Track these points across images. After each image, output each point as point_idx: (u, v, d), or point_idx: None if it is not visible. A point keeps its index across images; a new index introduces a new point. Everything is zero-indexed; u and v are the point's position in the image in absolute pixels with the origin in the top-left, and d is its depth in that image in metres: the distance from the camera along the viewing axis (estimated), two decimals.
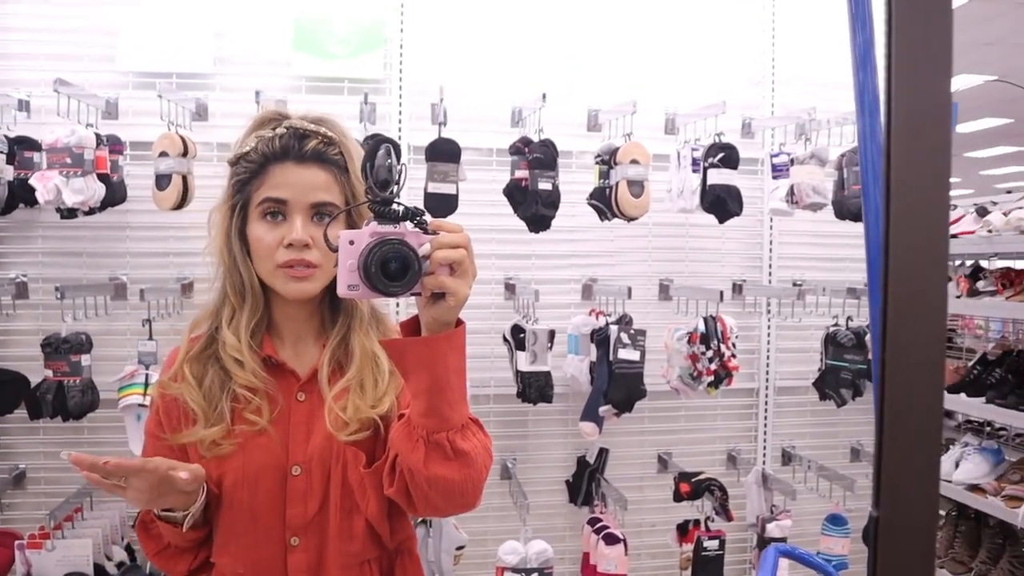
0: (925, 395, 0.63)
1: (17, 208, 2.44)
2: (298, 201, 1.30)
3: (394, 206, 1.08)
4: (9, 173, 2.37)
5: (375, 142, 1.10)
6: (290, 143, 1.31)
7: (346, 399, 1.31)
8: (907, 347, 0.63)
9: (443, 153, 2.54)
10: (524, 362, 2.64)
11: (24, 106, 2.55)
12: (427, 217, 1.10)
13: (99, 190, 2.37)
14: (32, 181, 2.33)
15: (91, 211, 2.43)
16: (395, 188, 1.09)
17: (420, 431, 1.16)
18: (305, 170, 1.31)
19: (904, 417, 0.63)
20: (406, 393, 1.34)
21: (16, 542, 2.40)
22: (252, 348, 1.34)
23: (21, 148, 2.41)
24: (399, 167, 1.10)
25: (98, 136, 2.39)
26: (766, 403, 3.13)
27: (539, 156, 2.58)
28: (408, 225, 1.09)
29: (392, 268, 1.04)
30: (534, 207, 2.57)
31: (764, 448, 3.12)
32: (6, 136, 2.39)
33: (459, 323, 1.13)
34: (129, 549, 2.59)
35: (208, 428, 1.30)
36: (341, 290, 1.07)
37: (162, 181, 2.43)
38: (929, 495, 0.63)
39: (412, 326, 1.16)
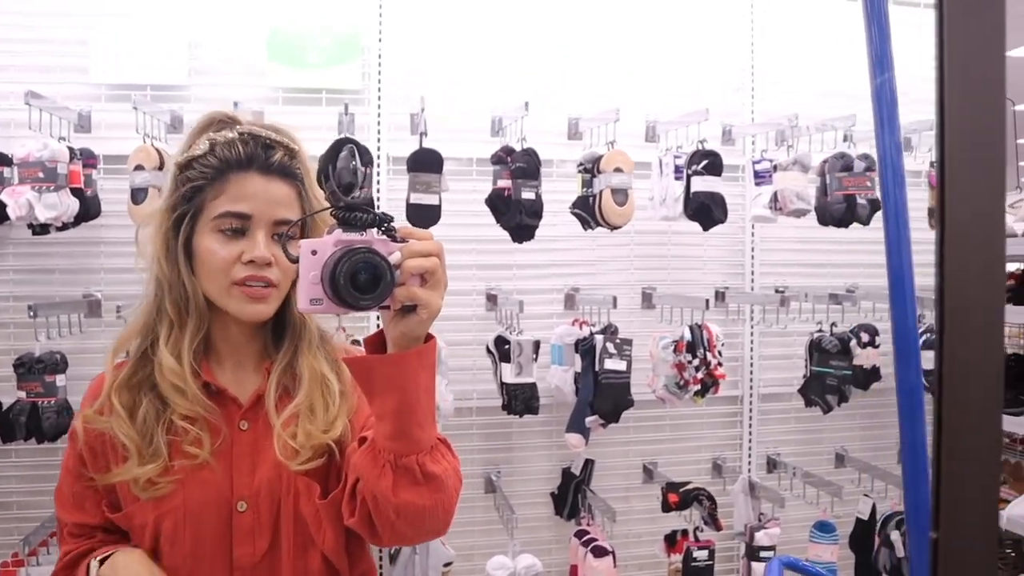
0: (983, 411, 0.61)
1: None
2: (261, 216, 1.21)
3: (360, 212, 1.00)
4: None
5: (336, 143, 1.04)
6: (255, 151, 1.22)
7: (295, 425, 1.22)
8: (964, 359, 0.61)
9: (425, 163, 2.51)
10: (509, 374, 2.61)
11: None
12: (395, 224, 1.03)
13: (73, 205, 2.31)
14: (3, 196, 2.26)
15: (64, 226, 2.37)
16: (359, 192, 1.02)
17: (387, 455, 1.08)
18: (269, 182, 1.22)
19: (962, 434, 0.60)
20: (359, 416, 1.27)
21: None
22: (195, 372, 1.22)
23: None
24: (363, 170, 1.03)
25: (71, 150, 2.33)
26: (751, 411, 3.12)
27: (522, 165, 2.55)
28: (374, 232, 1.01)
29: (362, 279, 0.97)
30: (517, 217, 2.55)
31: (749, 456, 3.11)
32: None
33: (428, 338, 1.05)
34: None
35: (143, 466, 1.18)
36: (303, 304, 0.99)
37: (138, 195, 2.37)
38: (988, 515, 0.60)
39: (377, 342, 1.08)
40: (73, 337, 2.46)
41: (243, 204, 1.20)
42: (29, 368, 2.34)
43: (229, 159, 1.21)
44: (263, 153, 1.22)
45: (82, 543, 1.29)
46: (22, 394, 2.35)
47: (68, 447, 1.31)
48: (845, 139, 2.82)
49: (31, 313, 2.29)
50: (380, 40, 2.77)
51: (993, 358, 0.66)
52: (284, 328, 1.31)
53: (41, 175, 2.24)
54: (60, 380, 2.37)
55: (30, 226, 2.36)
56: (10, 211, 2.25)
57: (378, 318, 1.06)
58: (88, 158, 2.44)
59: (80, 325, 2.48)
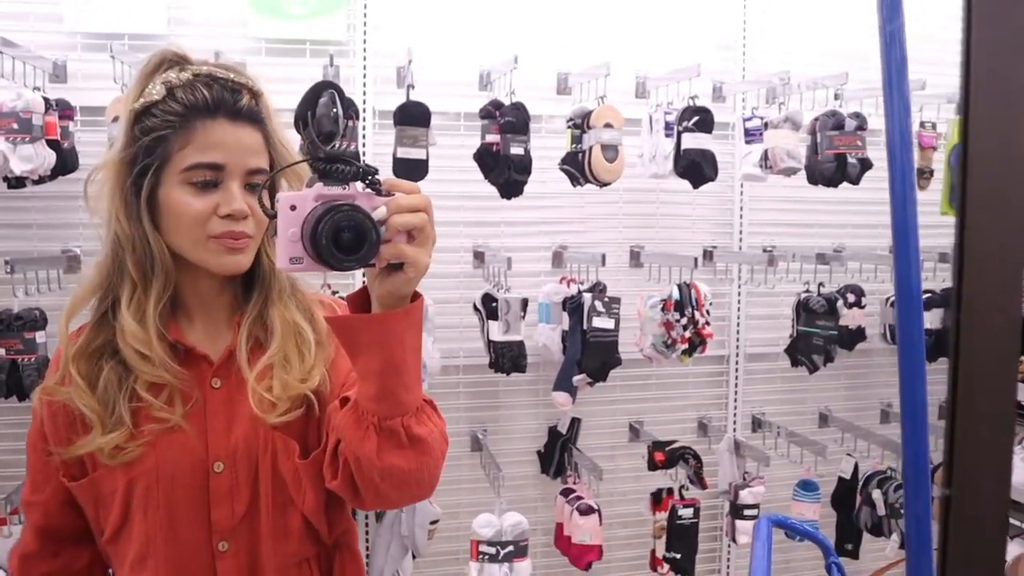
0: (998, 374, 0.59)
1: None
2: (235, 166, 1.14)
3: (343, 164, 0.93)
4: None
5: (314, 87, 0.95)
6: (222, 96, 1.13)
7: (270, 378, 1.17)
8: (980, 320, 0.59)
9: (413, 117, 2.46)
10: (497, 332, 2.59)
11: None
12: (379, 177, 0.96)
13: (49, 157, 2.24)
14: None
15: (41, 180, 2.30)
16: (339, 143, 0.95)
17: (371, 417, 1.02)
18: (240, 129, 1.14)
19: (976, 395, 0.59)
20: (339, 373, 1.22)
21: None
22: (161, 336, 1.16)
23: None
24: (345, 120, 0.98)
25: (46, 100, 2.26)
26: (736, 370, 3.12)
27: (511, 120, 2.51)
28: (358, 186, 0.95)
29: (345, 239, 0.90)
30: (506, 172, 2.51)
31: (735, 415, 3.12)
32: None
33: (415, 296, 1.00)
34: None
35: (106, 435, 1.13)
36: (282, 263, 0.93)
37: None
38: (1001, 474, 0.59)
39: (360, 300, 1.03)
40: (52, 293, 2.41)
41: (215, 154, 1.13)
42: (8, 325, 2.29)
43: (194, 104, 1.13)
44: (230, 97, 1.14)
45: (45, 562, 1.27)
46: (1, 351, 2.30)
47: (32, 424, 1.26)
48: (836, 97, 2.79)
49: (8, 269, 2.23)
50: None
51: (1010, 317, 0.64)
52: (253, 279, 1.25)
53: (15, 126, 2.17)
54: (40, 337, 2.33)
55: (5, 179, 2.30)
56: None
57: (364, 273, 1.01)
58: (64, 109, 2.36)
59: (59, 281, 2.43)
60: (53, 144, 2.26)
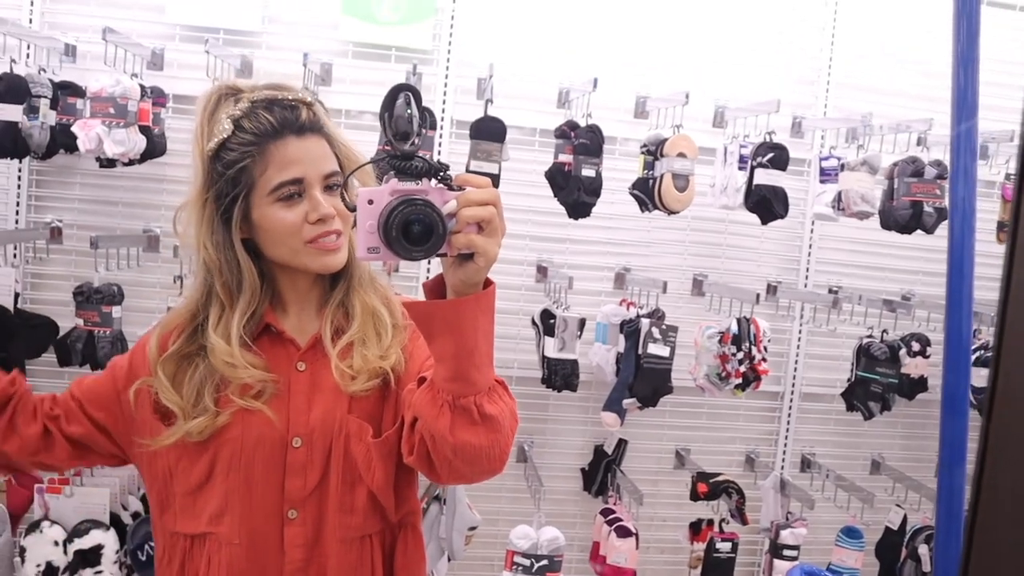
0: None
1: (57, 153, 2.42)
2: (312, 175, 1.24)
3: (416, 161, 1.00)
4: (52, 118, 2.35)
5: (392, 89, 1.02)
6: (285, 116, 1.24)
7: (351, 355, 1.28)
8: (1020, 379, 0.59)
9: (488, 132, 2.50)
10: (552, 348, 2.62)
11: (71, 51, 2.53)
12: (451, 172, 1.03)
13: (140, 142, 2.34)
14: (74, 129, 2.30)
15: (130, 162, 2.41)
16: (416, 140, 1.01)
17: (445, 396, 1.09)
18: (306, 142, 1.24)
19: (1007, 462, 0.59)
20: (416, 359, 1.31)
21: (36, 485, 2.41)
22: (244, 343, 1.27)
23: (65, 94, 2.39)
24: (420, 116, 1.02)
25: (142, 87, 2.36)
26: (790, 408, 3.09)
27: (585, 142, 2.53)
28: (432, 181, 1.01)
29: (415, 231, 0.97)
30: (576, 193, 2.53)
31: (784, 453, 3.09)
32: (51, 80, 2.37)
33: (488, 283, 1.07)
34: (144, 500, 2.60)
35: (190, 421, 1.25)
36: (361, 253, 1.00)
37: None
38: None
39: (436, 287, 1.10)
40: (131, 270, 2.52)
41: (293, 170, 1.23)
42: (87, 297, 2.40)
43: (262, 130, 1.23)
44: (291, 115, 1.24)
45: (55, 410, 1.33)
46: (80, 321, 2.42)
47: (111, 372, 1.36)
48: (919, 143, 2.74)
49: (93, 244, 2.34)
50: (454, 1, 2.75)
51: None
52: (340, 271, 1.35)
53: (112, 111, 2.28)
54: (116, 312, 2.44)
55: (98, 159, 2.41)
56: (80, 143, 2.29)
57: (428, 270, 1.07)
58: (158, 96, 2.47)
59: (138, 259, 2.54)
60: (144, 129, 2.37)
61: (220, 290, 1.27)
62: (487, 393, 1.11)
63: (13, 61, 2.33)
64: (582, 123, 2.58)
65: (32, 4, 2.53)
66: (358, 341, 1.29)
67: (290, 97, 1.26)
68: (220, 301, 1.28)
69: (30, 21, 2.53)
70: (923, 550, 2.77)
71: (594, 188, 2.55)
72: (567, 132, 2.58)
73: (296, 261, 1.27)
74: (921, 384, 2.92)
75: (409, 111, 1.01)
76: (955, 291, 0.87)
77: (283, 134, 1.23)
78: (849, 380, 2.92)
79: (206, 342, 1.27)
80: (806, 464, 3.09)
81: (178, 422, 1.26)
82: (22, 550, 2.33)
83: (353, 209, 1.01)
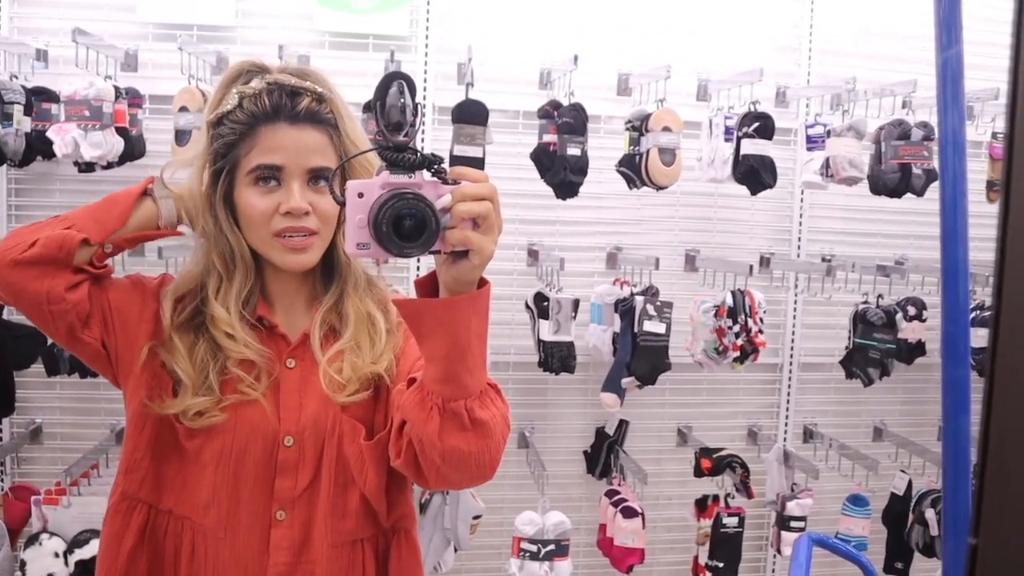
0: None
1: (35, 160, 2.38)
2: (294, 166, 1.21)
3: (408, 153, 0.95)
4: (27, 124, 2.32)
5: (386, 78, 0.97)
6: (281, 101, 1.21)
7: (341, 360, 1.25)
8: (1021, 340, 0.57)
9: (471, 115, 2.47)
10: (547, 331, 2.59)
11: (42, 56, 2.49)
12: (445, 165, 0.98)
13: (117, 144, 2.31)
14: (49, 134, 2.28)
15: (109, 165, 2.38)
16: (410, 131, 0.97)
17: (435, 398, 1.05)
18: (299, 131, 1.21)
19: (1014, 436, 0.57)
20: (407, 359, 1.28)
21: (33, 497, 2.39)
22: (243, 317, 1.26)
23: (39, 99, 2.35)
24: (414, 106, 0.98)
25: (117, 89, 2.33)
26: (789, 379, 3.08)
27: (568, 121, 2.50)
28: (425, 174, 0.97)
29: (406, 226, 0.93)
30: (562, 173, 2.50)
31: (786, 425, 3.08)
32: (24, 87, 2.33)
33: (483, 283, 1.02)
34: None
35: (195, 397, 1.22)
36: (350, 248, 0.96)
37: (182, 137, 2.37)
38: None
39: (428, 284, 1.06)
40: (116, 275, 2.48)
41: (274, 156, 1.21)
42: None
43: (256, 112, 1.21)
44: (289, 102, 1.22)
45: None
46: None
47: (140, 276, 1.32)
48: (904, 106, 2.72)
49: None
50: None
51: None
52: (332, 271, 1.32)
53: (87, 113, 2.24)
54: None
55: (76, 164, 2.37)
56: (56, 148, 2.26)
57: (418, 267, 1.04)
58: (134, 97, 2.43)
59: (123, 263, 2.50)
60: (122, 131, 2.33)
61: (216, 260, 1.26)
62: (479, 397, 1.07)
63: None
64: (565, 102, 2.56)
65: (0, 9, 2.49)
66: (349, 348, 1.26)
67: (297, 84, 1.23)
68: (218, 272, 1.27)
69: None
70: (930, 514, 2.76)
71: (580, 167, 2.52)
72: (550, 112, 2.55)
73: (263, 251, 1.25)
74: (919, 348, 2.91)
75: (403, 100, 0.97)
76: (950, 227, 0.85)
77: (276, 119, 1.21)
78: (847, 348, 2.90)
79: (208, 311, 1.25)
80: (808, 434, 3.07)
81: (182, 394, 1.23)
82: (22, 564, 2.30)
83: (342, 203, 0.97)
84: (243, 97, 1.23)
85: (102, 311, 1.25)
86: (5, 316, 2.43)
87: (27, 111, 2.32)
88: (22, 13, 2.55)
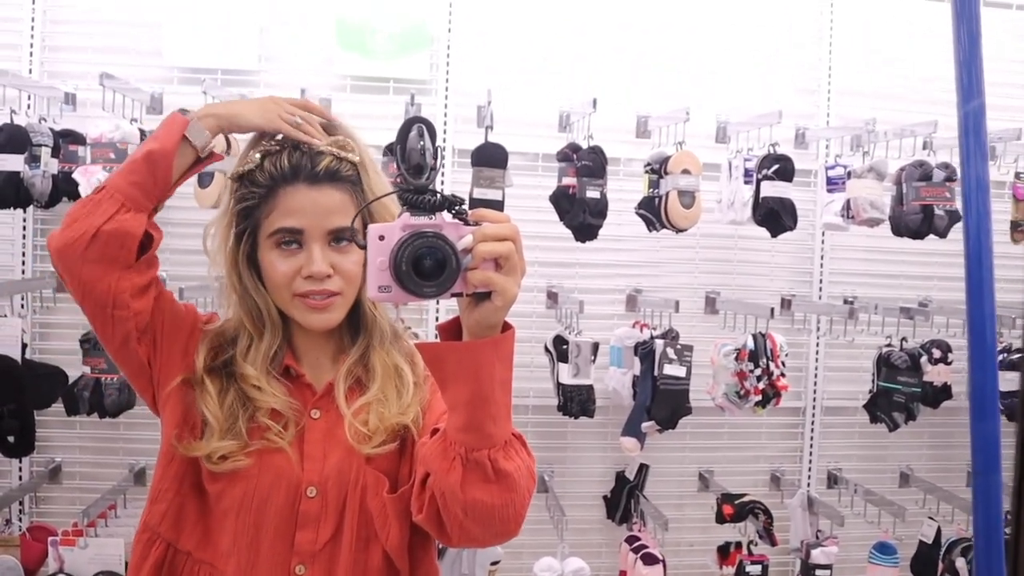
0: None
1: (60, 201, 2.42)
2: (314, 228, 1.20)
3: (429, 195, 0.95)
4: (54, 166, 2.36)
5: (406, 122, 0.98)
6: (301, 162, 1.21)
7: (368, 412, 1.23)
8: None
9: (490, 158, 2.49)
10: (566, 375, 2.58)
11: (70, 99, 2.54)
12: (466, 207, 0.97)
13: None
14: (76, 176, 2.31)
15: None
16: (430, 174, 0.96)
17: (457, 448, 1.02)
18: (319, 193, 1.20)
19: None
20: (432, 413, 1.25)
21: (50, 538, 2.38)
22: (271, 373, 1.26)
23: (66, 142, 2.41)
24: (434, 150, 0.98)
25: (142, 132, 2.37)
26: (812, 423, 3.03)
27: (587, 163, 2.51)
28: (446, 216, 0.96)
29: (426, 266, 0.91)
30: (581, 216, 2.51)
31: (809, 470, 3.02)
32: (52, 129, 2.38)
33: (506, 327, 1.00)
34: None
35: (221, 440, 1.20)
36: (371, 292, 0.95)
37: (204, 179, 2.40)
38: None
39: (452, 329, 1.03)
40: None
41: (293, 219, 1.20)
42: (94, 345, 2.39)
43: (275, 174, 1.21)
44: (308, 163, 1.21)
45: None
46: (87, 369, 2.40)
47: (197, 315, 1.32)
48: (924, 146, 2.71)
49: None
50: (449, 30, 2.76)
51: None
52: (358, 326, 1.31)
53: (112, 156, 2.28)
54: None
55: None
56: (82, 190, 2.29)
57: (437, 312, 1.03)
58: None
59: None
60: None
61: (246, 319, 1.27)
62: (503, 448, 1.03)
63: (13, 112, 2.35)
64: (584, 145, 2.57)
65: (31, 54, 2.55)
66: (375, 400, 1.24)
67: (316, 144, 1.22)
68: (247, 331, 1.27)
69: (30, 71, 2.55)
70: (960, 563, 2.69)
71: (599, 210, 2.53)
72: (569, 155, 2.57)
73: (289, 312, 1.25)
74: (945, 391, 2.86)
75: (423, 143, 0.97)
76: (975, 282, 0.83)
77: (295, 180, 1.20)
78: (871, 391, 2.86)
79: (238, 369, 1.25)
80: (833, 480, 3.02)
81: (207, 437, 1.21)
82: None
83: (363, 246, 0.96)
84: (265, 156, 1.23)
85: (156, 328, 1.25)
86: (28, 356, 2.45)
87: (54, 153, 2.36)
88: (52, 58, 2.61)
